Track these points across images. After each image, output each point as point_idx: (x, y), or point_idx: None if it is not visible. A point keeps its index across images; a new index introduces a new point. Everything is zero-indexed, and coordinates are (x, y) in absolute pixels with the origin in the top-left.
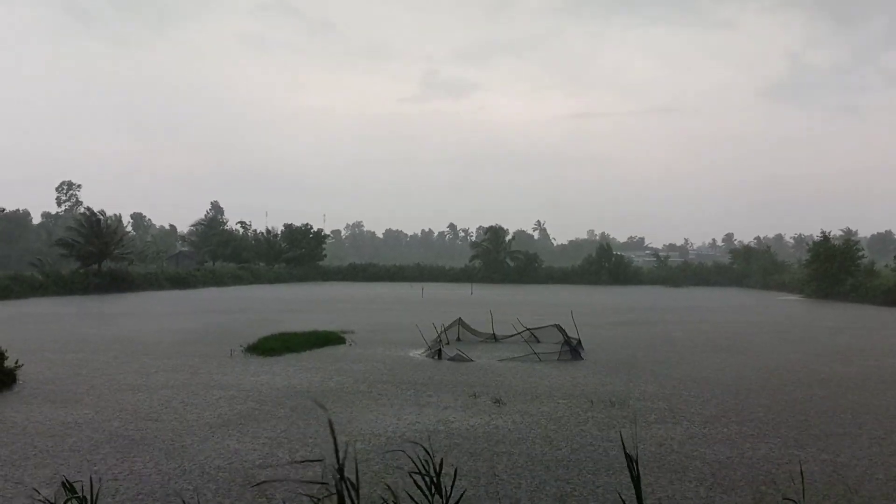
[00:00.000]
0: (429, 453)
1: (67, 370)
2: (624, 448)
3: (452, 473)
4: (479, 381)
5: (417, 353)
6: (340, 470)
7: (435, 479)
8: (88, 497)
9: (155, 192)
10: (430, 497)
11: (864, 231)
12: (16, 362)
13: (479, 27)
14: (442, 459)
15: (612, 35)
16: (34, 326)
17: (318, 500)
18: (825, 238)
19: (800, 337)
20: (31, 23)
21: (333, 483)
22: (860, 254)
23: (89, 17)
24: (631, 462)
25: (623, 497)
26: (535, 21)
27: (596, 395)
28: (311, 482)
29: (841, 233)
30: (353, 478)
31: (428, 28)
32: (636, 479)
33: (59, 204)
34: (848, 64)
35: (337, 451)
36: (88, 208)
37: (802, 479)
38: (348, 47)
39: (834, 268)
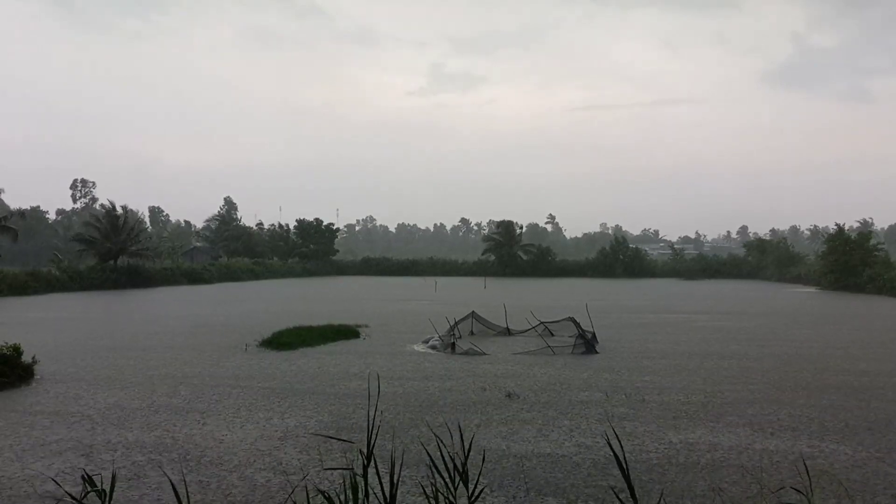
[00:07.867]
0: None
1: (84, 366)
2: (609, 445)
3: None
4: (492, 375)
5: (426, 347)
6: (370, 455)
7: (462, 469)
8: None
9: (168, 186)
10: (453, 488)
11: (881, 221)
12: (32, 358)
13: (478, 15)
14: (468, 453)
15: (608, 20)
16: (52, 323)
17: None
18: (840, 231)
19: (813, 322)
20: (33, 20)
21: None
22: (877, 245)
23: (76, 9)
24: (619, 458)
25: (629, 492)
26: (531, 5)
27: (610, 388)
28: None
29: (857, 224)
30: (384, 465)
31: (430, 19)
32: (626, 475)
33: (74, 200)
34: (857, 45)
35: (370, 435)
36: (110, 202)
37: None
38: (353, 40)
39: (855, 259)
